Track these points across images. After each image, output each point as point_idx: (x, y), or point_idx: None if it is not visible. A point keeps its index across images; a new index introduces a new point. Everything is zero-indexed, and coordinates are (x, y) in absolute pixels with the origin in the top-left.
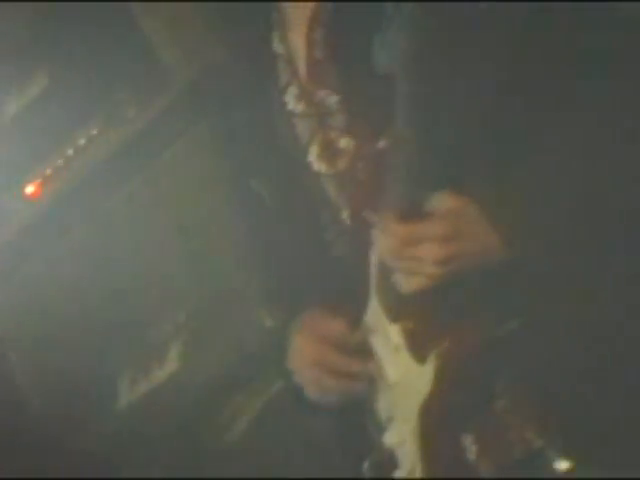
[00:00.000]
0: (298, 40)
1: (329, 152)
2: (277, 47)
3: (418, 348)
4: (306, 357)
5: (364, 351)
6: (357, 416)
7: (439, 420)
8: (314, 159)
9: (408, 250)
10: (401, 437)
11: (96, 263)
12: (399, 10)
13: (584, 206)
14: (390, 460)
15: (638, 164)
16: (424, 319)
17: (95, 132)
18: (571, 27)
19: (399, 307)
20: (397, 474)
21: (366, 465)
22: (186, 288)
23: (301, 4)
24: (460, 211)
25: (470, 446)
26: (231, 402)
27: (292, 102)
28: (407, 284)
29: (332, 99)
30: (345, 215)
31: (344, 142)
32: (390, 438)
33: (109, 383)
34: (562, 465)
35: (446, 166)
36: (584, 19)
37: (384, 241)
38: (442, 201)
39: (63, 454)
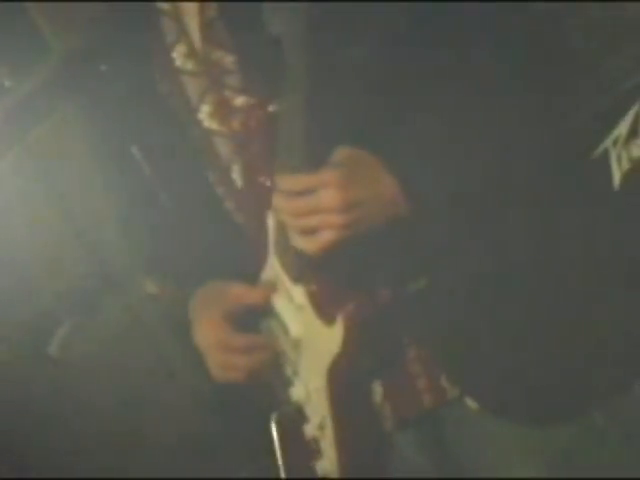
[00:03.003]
0: None
1: (223, 110)
2: (161, 4)
3: (323, 309)
4: (209, 338)
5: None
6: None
7: (348, 376)
8: (205, 117)
9: (306, 203)
10: (308, 392)
11: None
12: None
13: (485, 163)
14: (299, 413)
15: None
16: (326, 282)
17: None
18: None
19: (300, 268)
20: (307, 428)
21: (274, 417)
22: (70, 256)
23: None
24: (357, 159)
25: (376, 388)
26: None
27: (180, 59)
28: (311, 243)
29: (228, 58)
30: (235, 175)
31: (239, 101)
32: (297, 393)
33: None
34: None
35: (340, 124)
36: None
37: (281, 200)
38: (339, 153)
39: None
